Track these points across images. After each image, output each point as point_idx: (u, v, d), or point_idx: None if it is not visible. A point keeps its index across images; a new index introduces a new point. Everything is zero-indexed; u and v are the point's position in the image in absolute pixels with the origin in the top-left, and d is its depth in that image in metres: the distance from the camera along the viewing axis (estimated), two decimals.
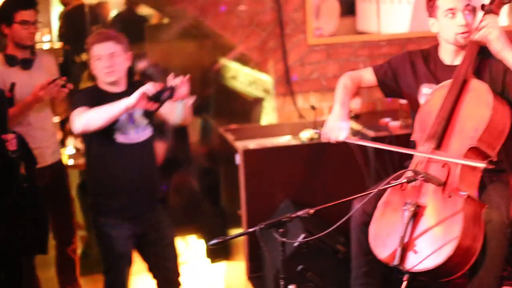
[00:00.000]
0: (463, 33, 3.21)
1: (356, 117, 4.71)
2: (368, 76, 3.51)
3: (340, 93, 3.40)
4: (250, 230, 2.78)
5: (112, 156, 3.50)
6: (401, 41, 5.16)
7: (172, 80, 3.29)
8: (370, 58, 5.11)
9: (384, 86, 3.51)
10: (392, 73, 3.47)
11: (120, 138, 3.46)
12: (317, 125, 4.48)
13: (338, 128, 3.24)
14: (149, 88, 3.24)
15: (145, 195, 3.58)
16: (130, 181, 3.52)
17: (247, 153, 4.19)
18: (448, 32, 3.25)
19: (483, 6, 3.24)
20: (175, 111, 3.45)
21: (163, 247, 3.66)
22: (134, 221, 3.56)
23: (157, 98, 3.25)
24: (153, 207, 3.63)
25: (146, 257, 3.72)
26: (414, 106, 3.42)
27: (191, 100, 3.44)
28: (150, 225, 3.62)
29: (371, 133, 4.37)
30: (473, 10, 3.26)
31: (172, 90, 3.25)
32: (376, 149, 4.11)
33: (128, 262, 3.64)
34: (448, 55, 3.33)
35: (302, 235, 3.67)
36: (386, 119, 4.54)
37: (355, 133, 4.44)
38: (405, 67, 3.44)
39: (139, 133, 3.51)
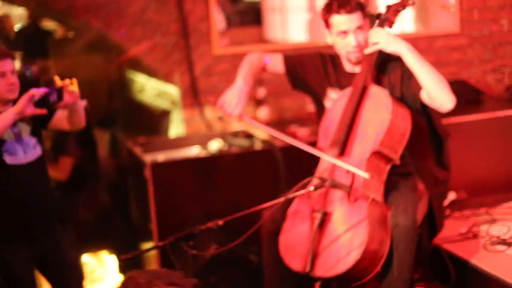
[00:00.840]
0: (354, 52, 3.29)
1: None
2: (276, 62, 3.49)
3: (245, 68, 3.37)
4: (160, 244, 2.77)
5: (1, 178, 3.37)
6: (306, 49, 5.22)
7: (58, 83, 3.23)
8: None
9: (292, 77, 3.52)
10: (302, 68, 3.50)
11: (8, 159, 3.33)
12: (226, 135, 4.50)
13: (235, 103, 3.19)
14: (35, 92, 3.17)
15: (40, 217, 3.45)
16: (23, 203, 3.40)
17: (155, 166, 4.16)
18: (341, 50, 3.33)
19: (378, 16, 3.33)
20: (68, 116, 3.40)
21: (65, 268, 3.56)
22: (31, 244, 3.44)
23: (45, 103, 3.19)
24: (50, 228, 3.51)
25: (48, 279, 3.62)
26: (319, 108, 3.47)
27: (82, 103, 3.38)
28: (49, 246, 3.50)
29: (278, 142, 4.40)
30: (365, 26, 3.32)
31: (59, 92, 3.19)
32: (285, 157, 4.18)
33: (32, 286, 3.55)
34: (348, 64, 3.41)
35: (214, 247, 3.67)
36: (294, 127, 4.60)
37: (262, 141, 4.47)
38: (316, 66, 3.49)
39: (28, 153, 3.38)
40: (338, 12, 3.24)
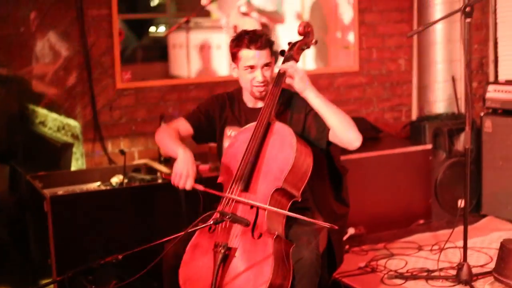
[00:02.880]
0: (259, 87, 3.35)
1: (166, 161, 4.75)
2: (183, 126, 3.49)
3: (172, 140, 3.33)
4: (58, 278, 2.71)
5: None
6: (208, 84, 5.28)
7: None
8: (179, 102, 5.18)
9: (200, 132, 3.53)
10: (205, 117, 3.52)
11: None
12: (128, 169, 4.46)
13: (185, 176, 3.14)
14: None
15: None
16: None
17: (55, 199, 4.08)
18: (246, 83, 3.37)
19: (282, 52, 3.40)
20: None
21: None
22: None
23: None
24: None
25: None
26: (219, 148, 3.50)
27: None
28: None
29: None
30: (272, 63, 3.39)
31: None
32: (187, 191, 4.18)
33: None
34: (251, 99, 3.45)
35: (113, 282, 3.61)
36: (196, 162, 4.60)
37: (164, 175, 4.46)
38: (214, 110, 3.52)
39: None
40: (248, 47, 3.29)
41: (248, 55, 3.30)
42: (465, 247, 4.05)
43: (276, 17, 5.41)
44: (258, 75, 3.30)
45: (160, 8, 5.19)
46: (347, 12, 5.73)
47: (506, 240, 3.88)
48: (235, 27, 5.25)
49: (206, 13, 5.24)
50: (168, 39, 5.18)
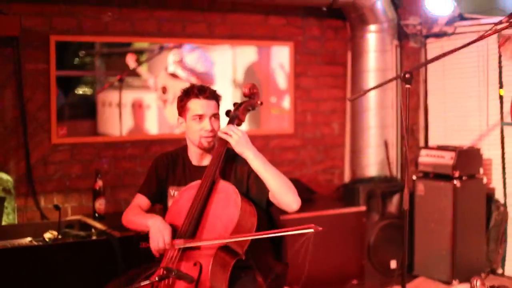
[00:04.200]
0: (207, 137, 3.37)
1: (101, 218, 4.68)
2: (141, 201, 3.53)
3: (138, 216, 3.40)
4: None
5: None
6: (145, 142, 5.26)
7: None
8: (115, 159, 5.14)
9: (156, 200, 3.55)
10: (156, 182, 3.53)
11: None
12: (62, 225, 4.37)
13: (161, 239, 3.15)
14: None
15: None
16: None
17: None
18: (194, 134, 3.39)
19: (227, 113, 3.44)
20: None
21: None
22: None
23: None
24: None
25: None
26: (164, 208, 3.49)
27: None
28: None
29: (117, 233, 4.33)
30: (219, 116, 3.43)
31: None
32: (122, 248, 4.12)
33: None
34: (196, 157, 3.46)
35: None
36: None
37: (99, 233, 4.39)
38: (161, 171, 3.52)
39: None
40: (197, 96, 3.35)
41: (197, 104, 3.35)
42: None
43: (206, 78, 5.45)
44: (206, 124, 3.34)
45: (88, 67, 5.17)
46: (281, 77, 5.83)
47: None
48: (163, 88, 5.27)
49: (136, 73, 5.26)
50: (97, 97, 5.15)
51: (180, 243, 3.13)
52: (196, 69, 5.47)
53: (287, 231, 3.09)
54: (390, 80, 4.19)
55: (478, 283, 4.13)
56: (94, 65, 5.16)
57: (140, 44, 5.29)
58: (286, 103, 5.87)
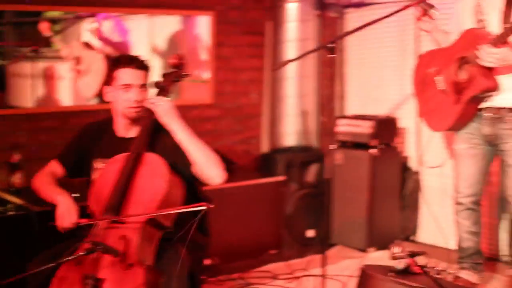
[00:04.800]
0: (134, 107, 3.32)
1: (17, 192, 4.55)
2: (56, 168, 3.51)
3: (48, 187, 3.39)
4: None
5: None
6: (61, 114, 5.13)
7: None
8: (32, 132, 5.01)
9: (72, 171, 3.53)
10: (77, 153, 3.50)
11: None
12: None
13: (67, 217, 3.20)
14: None
15: None
16: None
17: None
18: (121, 104, 3.34)
19: (156, 84, 3.39)
20: None
21: None
22: None
23: None
24: None
25: None
26: (89, 181, 3.43)
27: None
28: None
29: (36, 208, 4.23)
30: (146, 88, 3.39)
31: None
32: (42, 223, 4.03)
33: None
34: (122, 128, 3.41)
35: None
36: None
37: (17, 208, 4.29)
38: (85, 142, 3.47)
39: None
40: (125, 66, 3.31)
41: (125, 74, 3.31)
42: (323, 276, 4.13)
43: (122, 48, 5.34)
44: (133, 95, 3.30)
45: None
46: (202, 47, 5.78)
47: (366, 266, 3.99)
48: (77, 58, 5.14)
49: (48, 43, 5.09)
50: (8, 68, 4.97)
51: (84, 221, 3.13)
52: (112, 38, 5.35)
53: (181, 208, 3.09)
54: (316, 50, 4.23)
55: (398, 249, 4.23)
56: (4, 35, 4.96)
57: (54, 13, 5.12)
58: (206, 73, 5.83)
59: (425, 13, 4.39)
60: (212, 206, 2.96)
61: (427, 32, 4.52)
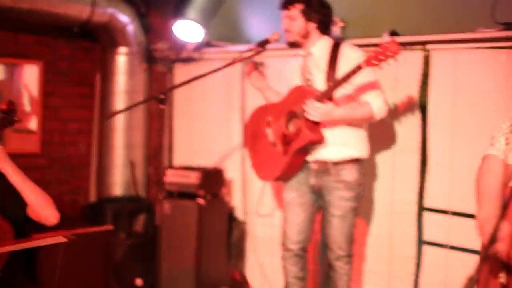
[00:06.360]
0: None
1: None
2: None
3: None
4: None
5: None
6: None
7: None
8: None
9: None
10: None
11: None
12: None
13: None
14: None
15: None
16: None
17: None
18: None
19: None
20: None
21: None
22: None
23: None
24: None
25: None
26: None
27: None
28: None
29: None
30: None
31: None
32: None
33: None
34: None
35: None
36: None
37: None
38: None
39: None
40: None
41: None
42: None
43: None
44: None
45: None
46: (29, 96, 5.73)
47: None
48: None
49: None
50: None
51: None
52: None
53: (38, 242, 3.10)
54: (146, 101, 4.36)
55: None
56: None
57: None
58: (34, 122, 5.78)
59: (255, 69, 4.64)
60: (73, 237, 2.99)
61: (257, 89, 4.75)
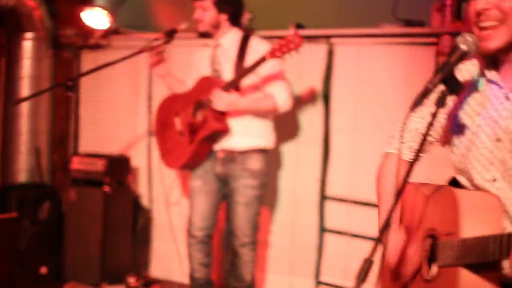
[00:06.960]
0: None
1: None
2: None
3: None
4: None
5: None
6: None
7: None
8: None
9: None
10: None
11: None
12: None
13: None
14: None
15: None
16: None
17: None
18: None
19: None
20: None
21: None
22: None
23: None
24: None
25: None
26: None
27: None
28: None
29: None
30: None
31: None
32: None
33: None
34: None
35: None
36: None
37: None
38: None
39: None
40: None
41: None
42: None
43: None
44: None
45: None
46: None
47: None
48: None
49: None
50: None
51: None
52: None
53: None
54: (53, 88, 4.33)
55: (133, 280, 4.45)
56: None
57: None
58: None
59: (157, 55, 4.68)
60: None
61: (161, 77, 4.80)
